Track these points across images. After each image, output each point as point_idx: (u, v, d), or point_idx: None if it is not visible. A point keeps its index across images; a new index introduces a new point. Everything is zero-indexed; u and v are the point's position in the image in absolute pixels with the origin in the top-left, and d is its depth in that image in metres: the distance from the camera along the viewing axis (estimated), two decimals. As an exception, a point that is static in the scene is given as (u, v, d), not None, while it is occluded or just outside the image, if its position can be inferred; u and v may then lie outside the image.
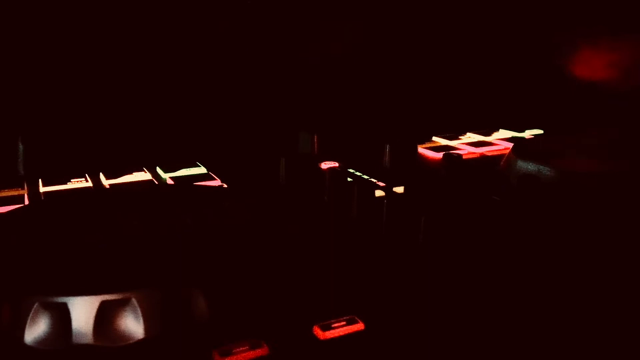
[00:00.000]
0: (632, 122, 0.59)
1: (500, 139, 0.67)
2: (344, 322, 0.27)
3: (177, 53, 0.66)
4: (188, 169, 0.55)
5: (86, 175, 0.53)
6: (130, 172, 0.54)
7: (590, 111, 0.70)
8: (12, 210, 0.42)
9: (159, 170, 0.55)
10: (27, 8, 0.58)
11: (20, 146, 0.58)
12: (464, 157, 0.50)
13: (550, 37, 0.79)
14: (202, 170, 0.55)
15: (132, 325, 0.26)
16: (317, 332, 0.27)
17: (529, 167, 0.48)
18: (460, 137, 0.69)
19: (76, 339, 0.26)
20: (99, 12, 0.61)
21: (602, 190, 0.43)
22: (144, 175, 0.53)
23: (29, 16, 0.58)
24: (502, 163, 0.54)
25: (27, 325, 0.26)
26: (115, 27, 0.62)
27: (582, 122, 0.65)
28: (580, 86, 0.73)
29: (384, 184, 0.48)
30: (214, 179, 0.52)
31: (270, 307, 0.29)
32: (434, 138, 0.68)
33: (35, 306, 0.26)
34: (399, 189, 0.46)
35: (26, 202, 0.47)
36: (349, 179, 0.49)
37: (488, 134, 0.69)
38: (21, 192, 0.50)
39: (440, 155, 0.55)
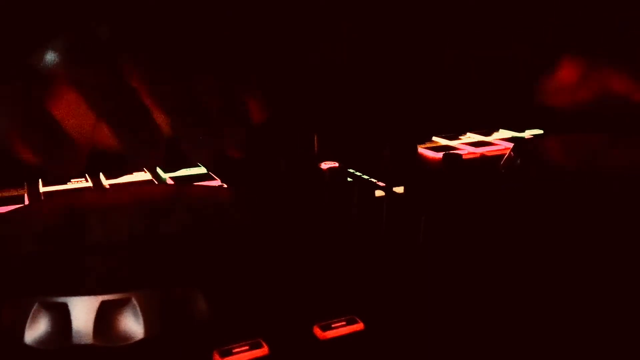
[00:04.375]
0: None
1: (500, 139, 0.67)
2: (344, 322, 0.27)
3: (178, 52, 0.66)
4: (188, 169, 0.55)
5: (86, 175, 0.53)
6: (130, 172, 0.54)
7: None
8: (12, 210, 0.42)
9: (159, 170, 0.55)
10: (28, 8, 0.58)
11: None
12: (464, 157, 0.50)
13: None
14: (202, 170, 0.55)
15: (132, 325, 0.26)
16: (317, 332, 0.27)
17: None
18: (460, 137, 0.69)
19: (76, 339, 0.26)
20: (100, 10, 0.61)
21: (601, 190, 0.43)
22: (144, 175, 0.53)
23: (29, 16, 0.58)
24: (502, 163, 0.54)
25: (27, 325, 0.26)
26: (115, 27, 0.62)
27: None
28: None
29: (384, 184, 0.48)
30: (214, 179, 0.52)
31: (270, 307, 0.29)
32: (434, 138, 0.68)
33: (35, 306, 0.26)
34: (399, 189, 0.46)
35: (26, 202, 0.47)
36: (349, 179, 0.49)
37: (488, 134, 0.69)
38: (21, 192, 0.50)
39: (440, 155, 0.55)
